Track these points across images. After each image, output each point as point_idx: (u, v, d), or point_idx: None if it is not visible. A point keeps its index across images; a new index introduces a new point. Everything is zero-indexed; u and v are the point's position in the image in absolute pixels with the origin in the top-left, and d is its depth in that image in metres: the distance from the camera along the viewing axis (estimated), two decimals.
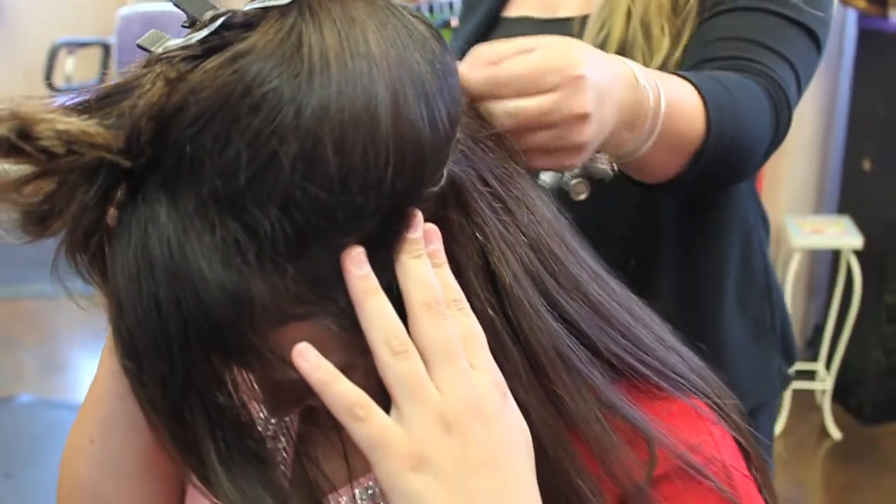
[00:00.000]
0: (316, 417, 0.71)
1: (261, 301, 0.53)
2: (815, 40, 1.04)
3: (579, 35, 1.08)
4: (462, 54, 0.68)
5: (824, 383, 3.10)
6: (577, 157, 0.72)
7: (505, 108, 0.66)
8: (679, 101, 0.84)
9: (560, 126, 0.69)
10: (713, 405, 0.68)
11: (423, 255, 0.56)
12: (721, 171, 0.93)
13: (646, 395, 0.66)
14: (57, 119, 0.49)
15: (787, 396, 3.09)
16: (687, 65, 1.01)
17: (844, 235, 2.97)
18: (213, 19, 0.55)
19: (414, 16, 0.59)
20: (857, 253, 2.96)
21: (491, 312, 0.59)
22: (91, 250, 0.55)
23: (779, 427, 3.07)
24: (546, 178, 0.85)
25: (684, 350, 0.70)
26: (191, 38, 0.54)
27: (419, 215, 0.56)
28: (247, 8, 0.56)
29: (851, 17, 3.12)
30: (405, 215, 0.56)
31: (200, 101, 0.51)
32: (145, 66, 0.54)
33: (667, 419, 0.65)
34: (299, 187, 0.51)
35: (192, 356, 0.53)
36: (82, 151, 0.50)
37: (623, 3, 1.06)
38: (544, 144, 0.69)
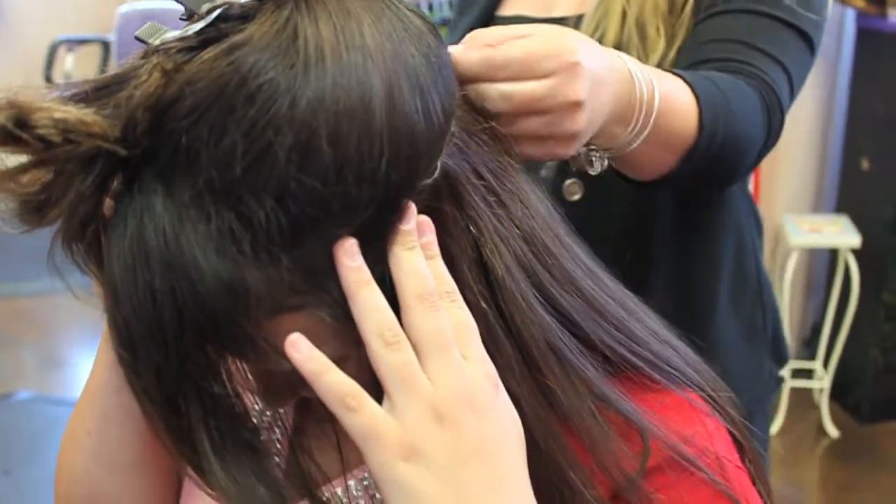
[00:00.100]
0: (310, 409, 0.71)
1: (255, 291, 0.53)
2: (809, 42, 1.04)
3: None
4: None
5: (822, 382, 3.11)
6: (570, 146, 0.72)
7: (499, 91, 0.66)
8: (673, 98, 0.84)
9: (553, 112, 0.69)
10: (707, 398, 0.68)
11: (417, 247, 0.57)
12: (713, 170, 0.93)
13: (639, 388, 0.66)
14: (54, 108, 0.50)
15: (785, 395, 3.09)
16: (680, 66, 1.01)
17: (842, 234, 2.97)
18: (210, 11, 0.55)
19: (410, 10, 0.60)
20: (855, 252, 2.97)
21: (483, 305, 0.60)
22: (87, 240, 0.55)
23: (776, 426, 3.08)
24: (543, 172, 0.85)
25: (679, 344, 0.71)
26: (188, 30, 0.54)
27: (413, 207, 0.57)
28: (243, 0, 0.56)
29: (850, 16, 3.12)
30: (399, 207, 0.56)
31: (196, 92, 0.51)
32: (143, 58, 0.54)
33: (660, 411, 0.65)
34: (294, 178, 0.52)
35: (187, 346, 0.54)
36: (79, 140, 0.50)
37: (618, 4, 1.06)
38: (537, 131, 0.69)
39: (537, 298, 0.62)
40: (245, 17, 0.55)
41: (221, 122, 0.51)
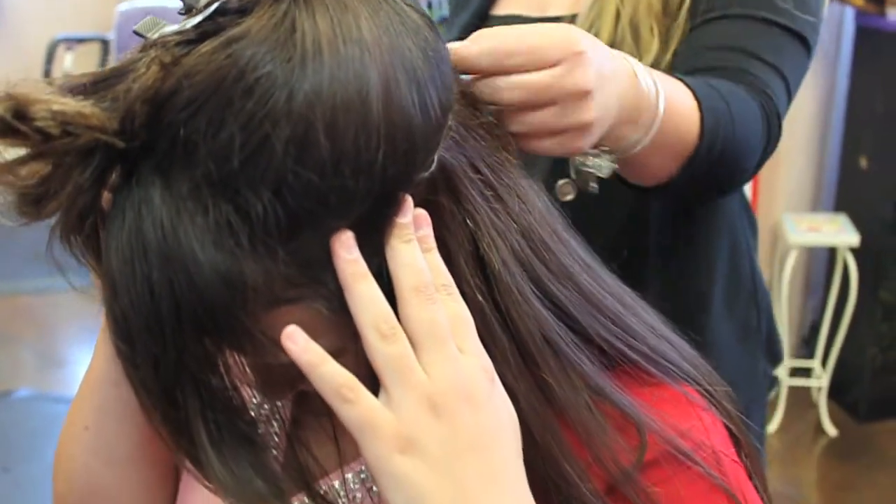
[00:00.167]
0: (308, 403, 0.71)
1: (252, 283, 0.53)
2: (806, 45, 1.04)
3: None
4: None
5: (820, 380, 3.11)
6: (583, 138, 0.72)
7: (508, 81, 0.67)
8: (677, 102, 0.84)
9: (563, 102, 0.69)
10: (704, 392, 0.68)
11: (413, 240, 0.57)
12: (713, 177, 0.94)
13: (636, 382, 0.66)
14: (52, 100, 0.50)
15: (783, 394, 3.10)
16: (679, 72, 1.01)
17: (841, 233, 2.98)
18: (208, 5, 0.55)
19: (407, 4, 0.60)
20: (854, 251, 2.97)
21: (480, 298, 0.60)
22: (85, 232, 0.55)
23: (774, 424, 3.08)
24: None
25: (675, 338, 0.71)
26: (186, 24, 0.54)
27: (409, 200, 0.57)
28: None
29: (849, 14, 3.12)
30: (396, 200, 0.56)
31: (194, 85, 0.51)
32: (141, 52, 0.55)
33: (656, 405, 0.65)
34: (291, 171, 0.52)
35: (185, 338, 0.54)
36: (77, 133, 0.50)
37: (612, 4, 1.06)
38: (549, 123, 0.70)
39: (534, 292, 0.62)
40: (243, 10, 0.55)
41: (219, 114, 0.51)
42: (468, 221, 0.60)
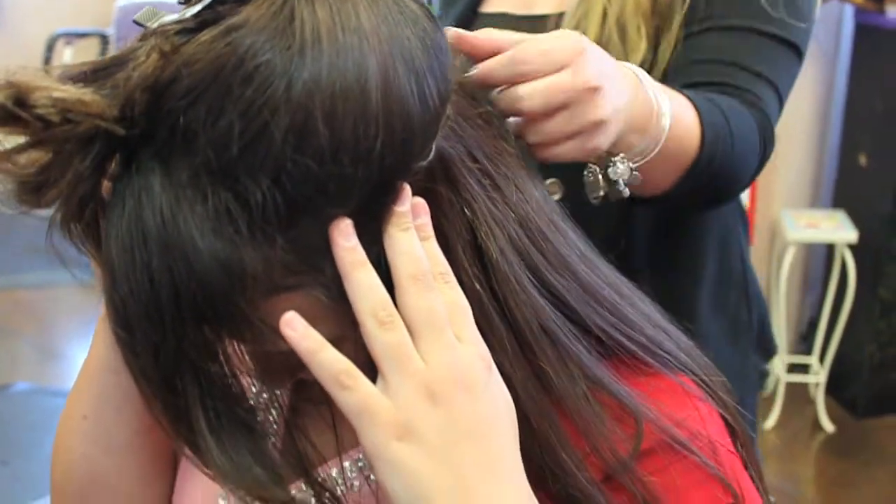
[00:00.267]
0: (307, 391, 0.72)
1: (252, 270, 0.53)
2: (798, 51, 1.06)
3: None
4: None
5: (818, 377, 3.12)
6: (599, 136, 0.73)
7: (527, 90, 0.69)
8: (680, 113, 0.85)
9: (576, 103, 0.71)
10: (700, 382, 0.69)
11: (411, 228, 0.57)
12: (710, 190, 0.95)
13: (633, 371, 0.66)
14: (53, 87, 0.50)
15: (781, 390, 3.10)
16: (675, 84, 1.01)
17: (839, 230, 2.98)
18: None
19: None
20: (852, 247, 2.98)
21: (478, 287, 0.60)
22: (85, 220, 0.55)
23: (772, 420, 3.09)
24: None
25: (672, 329, 0.71)
26: (185, 13, 0.55)
27: (407, 189, 0.57)
28: None
29: (848, 12, 3.13)
30: (394, 188, 0.57)
31: (194, 73, 0.52)
32: (141, 40, 0.55)
33: (653, 394, 0.65)
34: (290, 159, 0.52)
35: (184, 326, 0.54)
36: (78, 120, 0.50)
37: (599, 2, 1.06)
38: (565, 127, 0.71)
39: (531, 281, 0.62)
40: None
41: (218, 102, 0.52)
42: (466, 210, 0.60)
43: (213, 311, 0.54)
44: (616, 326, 0.66)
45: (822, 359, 3.15)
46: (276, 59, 0.52)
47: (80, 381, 0.75)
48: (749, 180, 1.01)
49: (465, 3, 1.19)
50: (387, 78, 0.54)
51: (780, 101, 1.04)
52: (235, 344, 0.61)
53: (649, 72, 1.00)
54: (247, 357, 0.64)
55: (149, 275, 0.53)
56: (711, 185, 0.93)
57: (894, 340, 3.11)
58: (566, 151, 0.73)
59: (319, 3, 0.54)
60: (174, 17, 0.55)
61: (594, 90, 0.71)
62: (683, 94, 0.90)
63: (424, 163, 0.58)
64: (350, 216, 0.55)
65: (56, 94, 0.50)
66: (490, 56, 0.70)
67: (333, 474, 0.70)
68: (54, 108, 0.50)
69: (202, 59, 0.52)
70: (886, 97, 2.96)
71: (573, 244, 0.67)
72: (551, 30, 1.06)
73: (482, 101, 0.67)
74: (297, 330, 0.54)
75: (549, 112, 0.70)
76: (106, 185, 0.55)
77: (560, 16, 1.10)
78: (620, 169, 0.81)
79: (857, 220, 3.00)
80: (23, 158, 0.51)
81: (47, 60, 4.25)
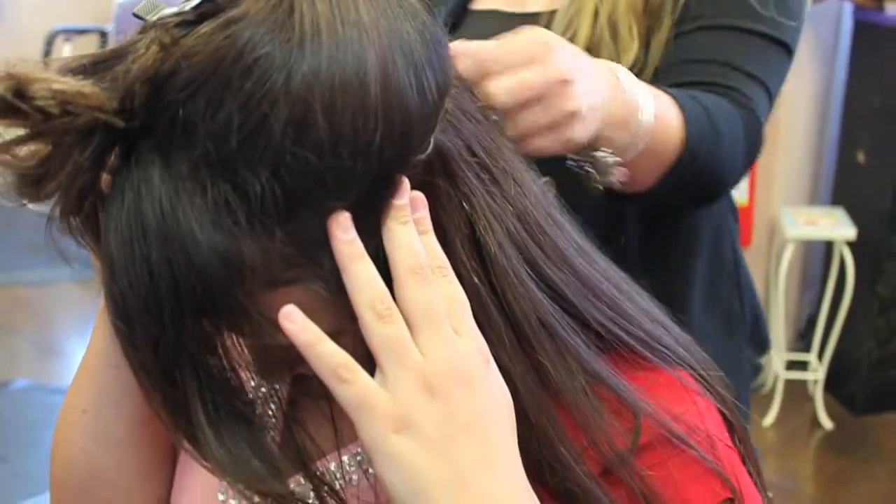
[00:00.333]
0: (306, 385, 0.72)
1: (250, 263, 0.53)
2: (788, 49, 1.07)
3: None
4: None
5: (816, 374, 3.12)
6: (574, 127, 0.74)
7: (495, 87, 0.70)
8: (662, 110, 0.86)
9: (548, 96, 0.72)
10: (698, 377, 0.69)
11: (410, 222, 0.57)
12: (694, 188, 0.96)
13: (631, 366, 0.66)
14: (52, 79, 0.50)
15: (780, 387, 3.11)
16: (666, 83, 1.02)
17: (838, 227, 2.98)
18: None
19: None
20: (851, 244, 2.98)
21: (476, 280, 0.60)
22: (85, 213, 0.55)
23: (771, 417, 3.09)
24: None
25: (670, 323, 0.71)
26: (185, 5, 0.55)
27: (406, 182, 0.57)
28: None
29: (847, 9, 3.13)
30: (392, 182, 0.57)
31: (193, 66, 0.52)
32: (141, 33, 0.55)
33: (651, 389, 0.65)
34: (289, 151, 0.52)
35: (184, 318, 0.54)
36: (77, 112, 0.50)
37: (590, 1, 1.06)
38: (539, 121, 0.72)
39: (530, 275, 0.62)
40: None
41: (218, 95, 0.52)
42: (464, 204, 0.60)
43: (212, 304, 0.54)
44: (614, 321, 0.66)
45: (820, 356, 3.15)
46: (276, 52, 0.52)
47: (80, 376, 0.75)
48: (736, 179, 1.02)
49: (456, 0, 1.19)
50: (386, 71, 0.54)
51: (771, 100, 1.05)
52: (234, 337, 0.61)
53: (640, 71, 1.00)
54: (246, 350, 0.64)
55: (148, 267, 0.53)
56: (696, 182, 0.94)
57: (893, 337, 3.11)
58: (544, 144, 0.74)
59: None
60: (174, 9, 0.55)
61: (565, 82, 0.72)
62: (667, 91, 0.90)
63: (423, 156, 0.58)
64: (349, 209, 0.55)
65: (56, 86, 0.50)
66: None
67: (332, 468, 0.70)
68: (54, 100, 0.50)
69: (201, 52, 0.52)
70: (885, 94, 2.96)
71: (571, 238, 0.67)
72: (543, 27, 1.07)
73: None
74: (296, 323, 0.54)
75: (523, 105, 0.72)
76: (105, 177, 0.55)
77: (552, 13, 1.10)
78: (601, 164, 0.82)
79: (856, 217, 3.00)
80: (22, 150, 0.51)
81: (46, 56, 4.24)
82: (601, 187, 0.84)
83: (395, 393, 0.54)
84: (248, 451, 0.57)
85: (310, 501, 0.65)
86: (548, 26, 1.09)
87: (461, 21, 1.17)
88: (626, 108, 0.81)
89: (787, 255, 3.00)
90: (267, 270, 0.54)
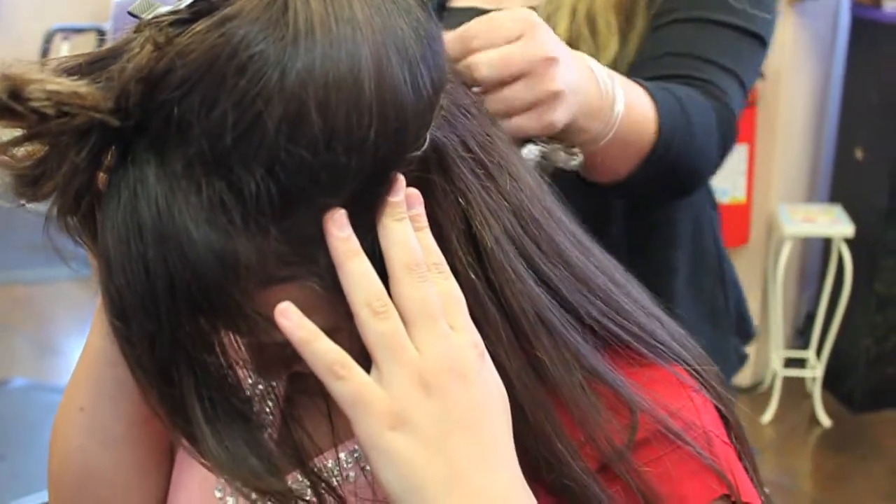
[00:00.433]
0: (303, 383, 0.72)
1: (246, 261, 0.53)
2: (762, 41, 1.08)
3: None
4: None
5: (815, 371, 3.12)
6: (556, 108, 0.75)
7: (478, 60, 0.71)
8: (634, 100, 0.87)
9: (531, 72, 0.73)
10: (694, 373, 0.69)
11: (405, 219, 0.57)
12: (669, 178, 0.96)
13: (627, 362, 0.66)
14: (47, 80, 0.50)
15: (778, 384, 3.11)
16: (641, 77, 1.02)
17: (836, 224, 2.98)
18: None
19: None
20: (849, 241, 2.98)
21: (472, 276, 0.60)
22: (82, 212, 0.56)
23: (769, 414, 3.09)
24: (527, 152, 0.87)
25: (666, 318, 0.71)
26: (180, 4, 0.55)
27: (401, 179, 0.57)
28: None
29: (845, 6, 3.13)
30: (388, 178, 0.57)
31: (188, 64, 0.52)
32: (136, 32, 0.55)
33: (648, 385, 0.65)
34: (284, 148, 0.52)
35: (180, 316, 0.54)
36: (73, 113, 0.51)
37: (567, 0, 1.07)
38: (521, 96, 0.73)
39: (526, 270, 0.62)
40: None
41: (212, 93, 0.52)
42: (460, 200, 0.61)
43: (208, 302, 0.54)
44: (609, 316, 0.66)
45: (818, 353, 3.16)
46: (270, 50, 0.52)
47: (77, 373, 0.75)
48: (711, 171, 1.03)
49: None
50: (380, 67, 0.55)
51: (745, 93, 1.06)
52: (231, 335, 0.61)
53: (616, 66, 1.01)
54: (243, 348, 0.64)
55: (144, 265, 0.53)
56: (671, 173, 0.95)
57: (890, 334, 3.11)
58: (524, 123, 0.74)
59: None
60: (168, 8, 0.55)
61: (550, 60, 0.73)
62: (639, 83, 0.91)
63: (418, 152, 0.58)
64: (344, 206, 0.55)
65: (50, 87, 0.50)
66: None
67: (329, 465, 0.70)
68: (49, 101, 0.50)
69: (196, 50, 0.52)
70: (883, 91, 2.96)
71: (567, 231, 0.67)
72: None
73: None
74: (292, 320, 0.54)
75: (507, 81, 0.72)
76: (102, 176, 0.55)
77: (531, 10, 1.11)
78: (563, 156, 0.83)
79: (854, 214, 3.00)
80: (19, 151, 0.52)
81: (44, 55, 4.24)
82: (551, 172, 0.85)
83: (390, 390, 0.55)
84: (246, 449, 0.57)
85: (307, 498, 0.66)
86: None
87: (440, 19, 1.18)
88: (599, 97, 0.82)
89: (785, 252, 3.00)
90: (262, 268, 0.54)
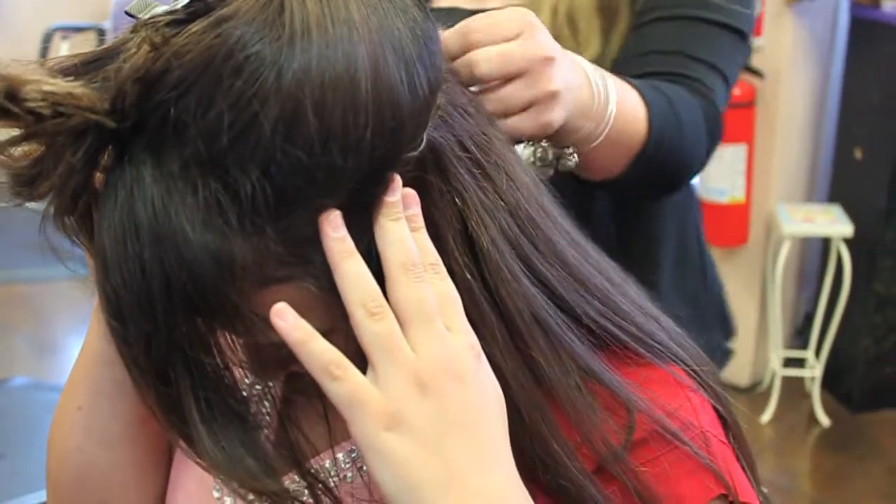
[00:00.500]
0: (300, 384, 0.72)
1: (242, 262, 0.53)
2: (743, 36, 1.08)
3: None
4: None
5: (814, 371, 3.12)
6: (553, 108, 0.75)
7: (478, 56, 0.71)
8: (625, 99, 0.87)
9: (530, 71, 0.73)
10: (692, 373, 0.69)
11: (402, 219, 0.57)
12: (659, 176, 0.97)
13: (624, 362, 0.66)
14: (43, 80, 0.50)
15: (777, 384, 3.11)
16: (625, 74, 1.03)
17: (835, 224, 2.98)
18: None
19: None
20: (848, 241, 2.98)
21: (469, 276, 0.60)
22: (78, 212, 0.56)
23: (768, 414, 3.09)
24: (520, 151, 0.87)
25: (663, 318, 0.71)
26: (176, 4, 0.55)
27: (398, 179, 0.57)
28: None
29: (844, 6, 3.13)
30: (384, 179, 0.57)
31: (184, 65, 0.52)
32: (132, 32, 0.55)
33: (645, 385, 0.65)
34: (280, 149, 0.52)
35: (176, 316, 0.54)
36: (69, 113, 0.51)
37: None
38: (519, 95, 0.73)
39: (523, 271, 0.62)
40: None
41: (209, 93, 0.52)
42: (456, 200, 0.61)
43: (204, 302, 0.54)
44: (606, 316, 0.66)
45: (817, 353, 3.16)
46: (266, 50, 0.52)
47: (75, 373, 0.75)
48: (699, 167, 1.04)
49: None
50: (376, 67, 0.55)
51: (728, 89, 1.07)
52: (228, 335, 0.61)
53: (599, 64, 1.01)
54: (239, 349, 0.64)
55: (140, 265, 0.53)
56: (662, 169, 0.96)
57: (889, 334, 3.11)
58: (520, 123, 0.74)
59: None
60: (165, 8, 0.55)
61: (548, 60, 0.73)
62: (629, 82, 0.91)
63: (415, 153, 0.58)
64: (340, 207, 0.55)
65: (46, 88, 0.50)
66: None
67: (326, 466, 0.70)
68: (45, 102, 0.50)
69: (192, 51, 0.52)
70: (882, 91, 2.96)
71: (563, 230, 0.67)
72: None
73: None
74: (287, 320, 0.54)
75: (504, 80, 0.72)
76: (99, 176, 0.55)
77: None
78: (559, 157, 0.83)
79: (853, 214, 3.00)
80: (16, 151, 0.52)
81: (44, 54, 4.24)
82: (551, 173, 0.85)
83: (386, 390, 0.55)
84: (242, 450, 0.57)
85: (304, 499, 0.66)
86: None
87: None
88: (591, 96, 0.82)
89: (784, 252, 3.00)
90: (258, 269, 0.54)
